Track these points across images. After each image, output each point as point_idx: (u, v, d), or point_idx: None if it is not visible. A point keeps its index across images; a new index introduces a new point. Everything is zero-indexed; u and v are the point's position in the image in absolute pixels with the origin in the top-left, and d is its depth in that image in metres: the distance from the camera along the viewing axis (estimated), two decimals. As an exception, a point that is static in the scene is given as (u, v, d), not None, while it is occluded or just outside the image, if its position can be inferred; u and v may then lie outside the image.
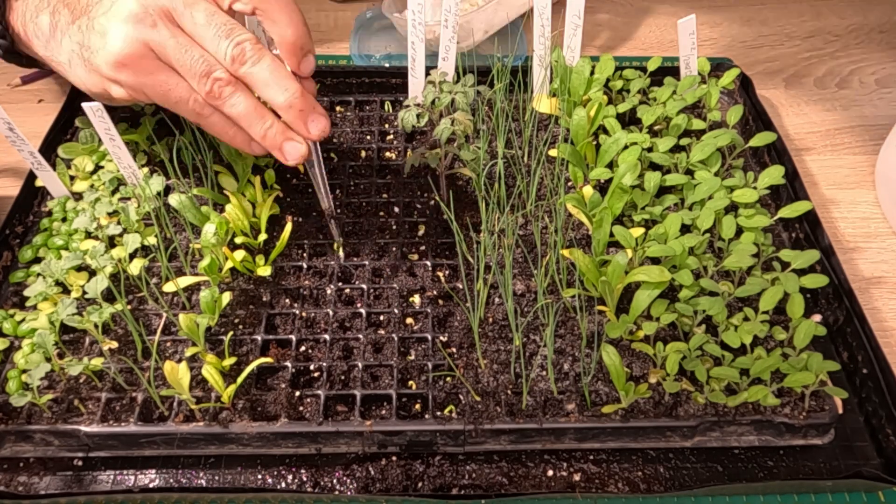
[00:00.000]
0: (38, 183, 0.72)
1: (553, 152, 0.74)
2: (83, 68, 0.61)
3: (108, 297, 0.64)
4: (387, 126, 0.81)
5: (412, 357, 0.61)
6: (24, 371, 0.58)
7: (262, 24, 0.59)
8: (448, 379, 0.59)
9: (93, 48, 0.59)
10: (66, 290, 0.64)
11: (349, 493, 0.56)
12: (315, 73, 0.84)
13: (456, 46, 0.75)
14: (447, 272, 0.67)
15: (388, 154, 0.78)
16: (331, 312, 0.64)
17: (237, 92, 0.57)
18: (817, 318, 0.60)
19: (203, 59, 0.56)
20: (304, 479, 0.56)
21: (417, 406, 0.58)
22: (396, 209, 0.73)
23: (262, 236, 0.68)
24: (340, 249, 0.67)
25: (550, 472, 0.57)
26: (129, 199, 0.71)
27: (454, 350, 0.61)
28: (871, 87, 0.92)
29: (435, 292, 0.65)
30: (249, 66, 0.56)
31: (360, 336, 0.62)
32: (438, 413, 0.57)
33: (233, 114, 0.58)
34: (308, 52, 0.59)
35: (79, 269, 0.66)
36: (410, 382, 0.60)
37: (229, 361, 0.59)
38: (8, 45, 0.68)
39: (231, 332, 0.61)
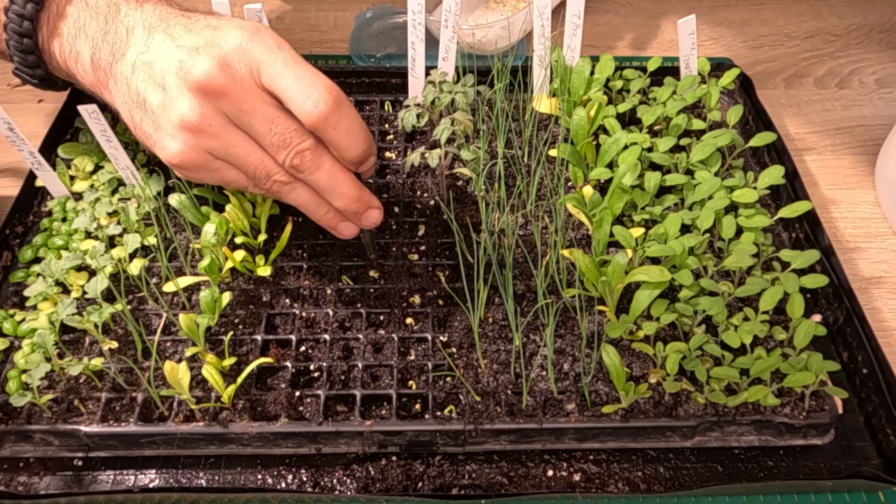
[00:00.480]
0: (38, 183, 0.72)
1: (553, 152, 0.74)
2: (137, 136, 0.60)
3: (108, 297, 0.64)
4: (387, 126, 0.81)
5: (412, 357, 0.61)
6: (24, 371, 0.58)
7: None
8: (448, 379, 0.59)
9: (148, 135, 0.58)
10: (66, 290, 0.64)
11: (349, 493, 0.56)
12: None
13: (456, 45, 0.75)
14: (447, 272, 0.67)
15: (388, 154, 0.78)
16: (331, 312, 0.64)
17: (295, 190, 0.59)
18: (817, 318, 0.60)
19: (262, 162, 0.57)
20: (304, 479, 0.56)
21: (417, 406, 0.58)
22: (396, 209, 0.73)
23: (262, 236, 0.68)
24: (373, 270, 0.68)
25: (550, 472, 0.57)
26: (128, 199, 0.71)
27: (454, 350, 0.61)
28: (871, 87, 0.92)
29: (435, 292, 0.65)
30: (308, 174, 0.57)
31: (360, 336, 0.62)
32: (438, 413, 0.57)
33: (295, 202, 0.60)
34: (368, 157, 0.60)
35: (79, 269, 0.66)
36: (410, 382, 0.60)
37: (229, 361, 0.59)
38: (43, 74, 0.65)
39: (231, 332, 0.61)
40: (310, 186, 0.59)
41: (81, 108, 0.65)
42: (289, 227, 0.67)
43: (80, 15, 0.60)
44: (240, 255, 0.64)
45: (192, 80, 0.54)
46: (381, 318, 0.64)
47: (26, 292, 0.64)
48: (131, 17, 0.59)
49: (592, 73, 0.78)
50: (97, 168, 0.75)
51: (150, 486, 0.56)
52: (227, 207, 0.67)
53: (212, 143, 0.55)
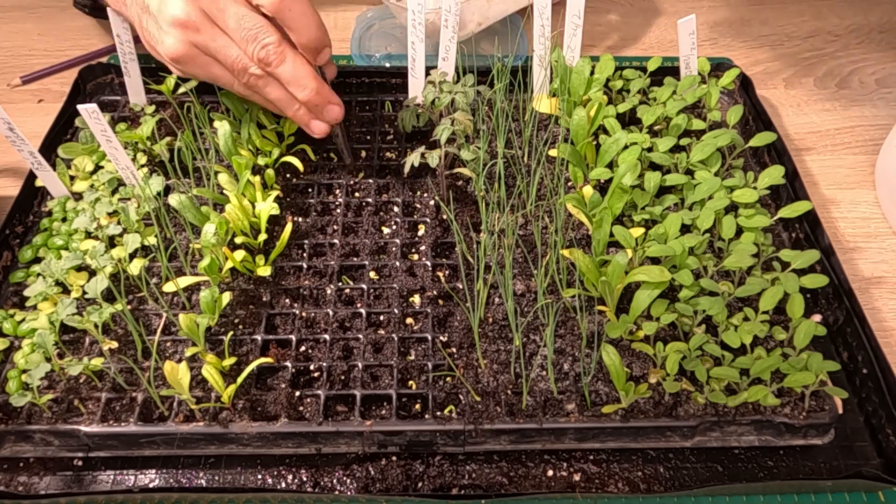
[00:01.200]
0: (38, 183, 0.72)
1: (553, 152, 0.74)
2: (146, 41, 0.70)
3: (108, 297, 0.64)
4: (387, 126, 0.81)
5: (412, 357, 0.61)
6: (24, 371, 0.58)
7: (283, 27, 0.66)
8: (448, 379, 0.59)
9: (152, 35, 0.68)
10: (66, 290, 0.64)
11: (349, 493, 0.56)
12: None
13: (456, 45, 0.75)
14: (447, 272, 0.67)
15: (388, 154, 0.78)
16: (331, 312, 0.64)
17: (269, 84, 0.68)
18: (817, 318, 0.60)
19: (239, 57, 0.66)
20: (304, 479, 0.56)
21: (417, 406, 0.58)
22: (396, 209, 0.73)
23: (262, 236, 0.68)
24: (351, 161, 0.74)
25: (550, 472, 0.57)
26: (128, 199, 0.71)
27: (454, 350, 0.61)
28: (871, 87, 0.92)
29: (435, 292, 0.65)
30: (274, 67, 0.66)
31: (360, 336, 0.62)
32: (438, 413, 0.57)
33: (269, 98, 0.69)
34: (323, 47, 0.68)
35: (79, 269, 0.66)
36: (410, 382, 0.60)
37: (229, 361, 0.59)
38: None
39: (231, 332, 0.61)
40: (281, 85, 0.67)
41: (81, 108, 0.65)
42: (289, 227, 0.67)
43: None
44: (240, 255, 0.64)
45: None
46: (381, 318, 0.64)
47: (26, 292, 0.64)
48: None
49: (592, 73, 0.78)
50: (97, 168, 0.75)
51: (150, 486, 0.56)
52: (227, 207, 0.67)
53: (197, 37, 0.65)
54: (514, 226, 0.68)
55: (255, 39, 0.65)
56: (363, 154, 0.78)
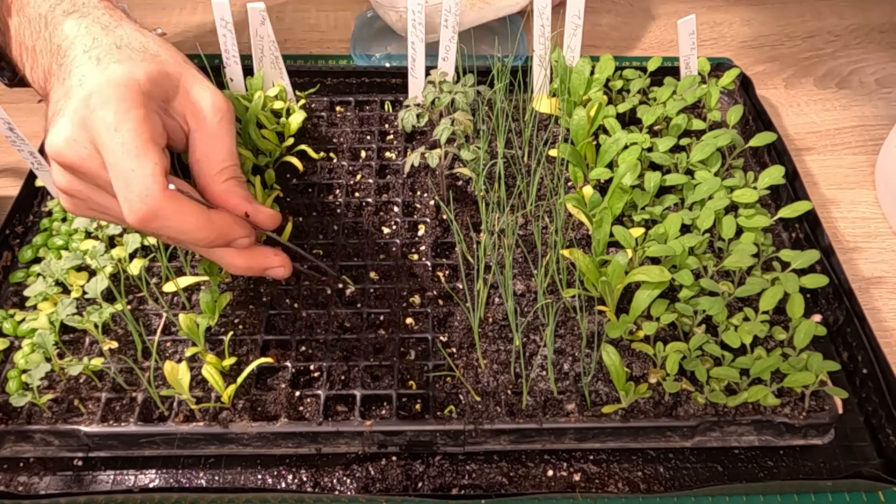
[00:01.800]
0: (38, 183, 0.72)
1: (553, 152, 0.74)
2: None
3: (108, 297, 0.64)
4: (387, 126, 0.81)
5: (412, 357, 0.61)
6: (24, 371, 0.58)
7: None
8: (448, 379, 0.59)
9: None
10: (66, 290, 0.64)
11: (349, 493, 0.56)
12: (315, 72, 0.84)
13: (456, 45, 0.75)
14: (447, 272, 0.67)
15: (388, 154, 0.78)
16: (331, 312, 0.64)
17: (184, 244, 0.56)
18: (817, 318, 0.60)
19: (118, 213, 0.51)
20: (304, 479, 0.56)
21: (417, 406, 0.58)
22: (396, 209, 0.73)
23: (262, 236, 0.68)
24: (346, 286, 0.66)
25: (550, 472, 0.57)
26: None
27: (454, 350, 0.61)
28: (871, 87, 0.92)
29: (435, 292, 0.65)
30: (166, 237, 0.53)
31: (360, 336, 0.62)
32: (438, 413, 0.57)
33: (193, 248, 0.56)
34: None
35: (79, 269, 0.66)
36: (410, 382, 0.60)
37: (229, 361, 0.59)
38: (11, 76, 0.64)
39: (231, 333, 0.61)
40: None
41: None
42: (289, 228, 0.67)
43: (21, 25, 0.57)
44: (240, 255, 0.64)
45: (52, 150, 0.50)
46: (381, 318, 0.64)
47: (26, 292, 0.64)
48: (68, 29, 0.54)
49: (592, 73, 0.78)
50: (97, 168, 0.75)
51: (150, 486, 0.56)
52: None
53: (77, 186, 0.52)
54: (514, 226, 0.68)
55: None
56: (363, 154, 0.78)
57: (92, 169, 0.49)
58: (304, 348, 0.62)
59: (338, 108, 0.84)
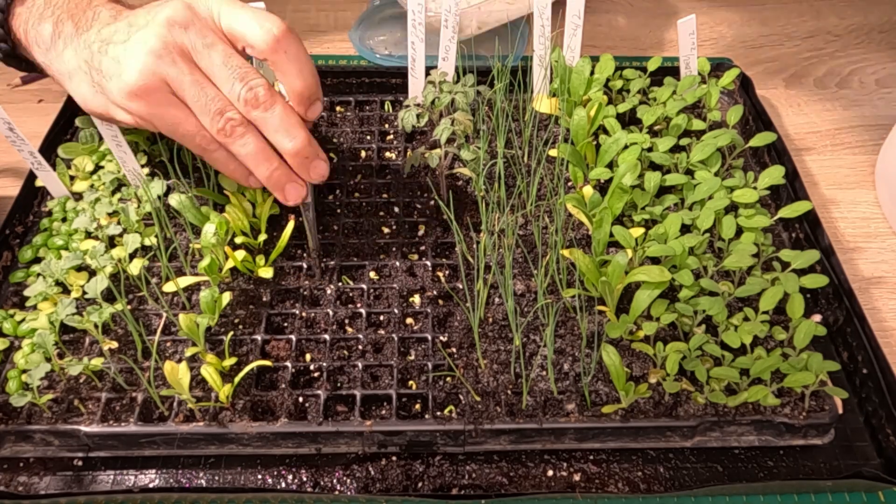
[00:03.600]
0: (38, 183, 0.72)
1: (553, 152, 0.74)
2: (88, 86, 0.62)
3: (108, 297, 0.64)
4: (387, 126, 0.81)
5: (412, 357, 0.61)
6: (24, 371, 0.58)
7: (275, 73, 0.60)
8: (448, 379, 0.59)
9: (105, 73, 0.59)
10: (66, 290, 0.64)
11: (349, 493, 0.56)
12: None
13: (456, 45, 0.75)
14: (447, 272, 0.67)
15: (388, 154, 0.78)
16: (331, 312, 0.64)
17: (248, 133, 0.58)
18: (817, 318, 0.60)
19: (218, 98, 0.58)
20: (304, 479, 0.56)
21: (417, 406, 0.58)
22: (396, 209, 0.73)
23: (262, 236, 0.68)
24: (319, 276, 0.66)
25: (550, 472, 0.57)
26: (129, 199, 0.71)
27: (454, 350, 0.61)
28: (871, 87, 0.92)
29: (435, 292, 0.65)
30: (261, 111, 0.58)
31: (360, 336, 0.62)
32: (438, 413, 0.57)
33: (241, 153, 0.59)
34: (316, 100, 0.61)
35: (79, 269, 0.66)
36: (410, 382, 0.60)
37: (229, 362, 0.59)
38: (8, 49, 0.67)
39: (231, 332, 0.61)
40: (260, 136, 0.59)
41: None
42: (289, 227, 0.67)
43: None
44: (240, 255, 0.64)
45: (161, 17, 0.57)
46: (381, 318, 0.64)
47: (26, 292, 0.64)
48: (101, 6, 0.63)
49: (592, 73, 0.78)
50: (97, 168, 0.75)
51: (150, 486, 0.56)
52: (227, 207, 0.67)
53: (170, 69, 0.57)
54: (514, 226, 0.68)
55: (242, 79, 0.57)
56: (363, 154, 0.78)
57: (204, 27, 0.58)
58: (304, 348, 0.62)
59: (338, 108, 0.84)
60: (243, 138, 0.58)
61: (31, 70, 0.71)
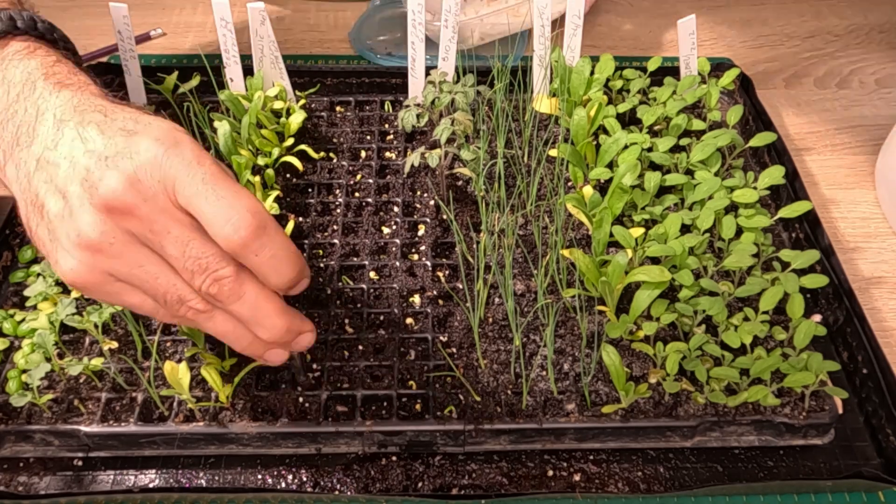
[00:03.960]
0: (38, 183, 0.72)
1: (553, 152, 0.74)
2: (31, 237, 0.52)
3: (108, 297, 0.64)
4: (387, 126, 0.81)
5: (412, 357, 0.61)
6: (24, 371, 0.58)
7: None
8: (448, 379, 0.59)
9: (44, 244, 0.50)
10: (66, 290, 0.64)
11: (349, 493, 0.56)
12: (315, 72, 0.84)
13: (456, 45, 0.75)
14: (447, 272, 0.67)
15: (388, 154, 0.78)
16: (331, 312, 0.64)
17: (214, 318, 0.50)
18: (817, 318, 0.60)
19: (174, 286, 0.49)
20: (304, 479, 0.56)
21: (417, 406, 0.58)
22: (396, 209, 0.73)
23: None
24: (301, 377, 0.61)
25: (550, 472, 0.57)
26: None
27: (454, 350, 0.61)
28: (871, 87, 0.92)
29: (435, 292, 0.65)
30: (228, 304, 0.49)
31: (360, 336, 0.62)
32: (438, 413, 0.57)
33: (212, 331, 0.52)
34: (300, 281, 0.51)
35: (79, 269, 0.66)
36: (410, 382, 0.60)
37: (229, 362, 0.59)
38: None
39: (231, 332, 0.61)
40: (229, 316, 0.51)
41: None
42: (289, 227, 0.67)
43: None
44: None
45: (96, 196, 0.47)
46: (381, 318, 0.64)
47: (26, 292, 0.64)
48: (44, 102, 0.51)
49: (592, 73, 0.78)
50: (97, 168, 0.75)
51: (150, 486, 0.56)
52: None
53: (113, 263, 0.48)
54: (514, 226, 0.68)
55: (204, 270, 0.47)
56: (363, 154, 0.78)
57: (152, 211, 0.47)
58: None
59: (338, 108, 0.84)
60: (210, 322, 0.51)
61: None
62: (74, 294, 0.64)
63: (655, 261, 0.63)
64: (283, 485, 0.56)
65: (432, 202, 0.73)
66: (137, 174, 0.47)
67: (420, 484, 0.56)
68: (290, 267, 0.49)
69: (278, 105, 0.79)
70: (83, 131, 0.49)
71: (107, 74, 0.83)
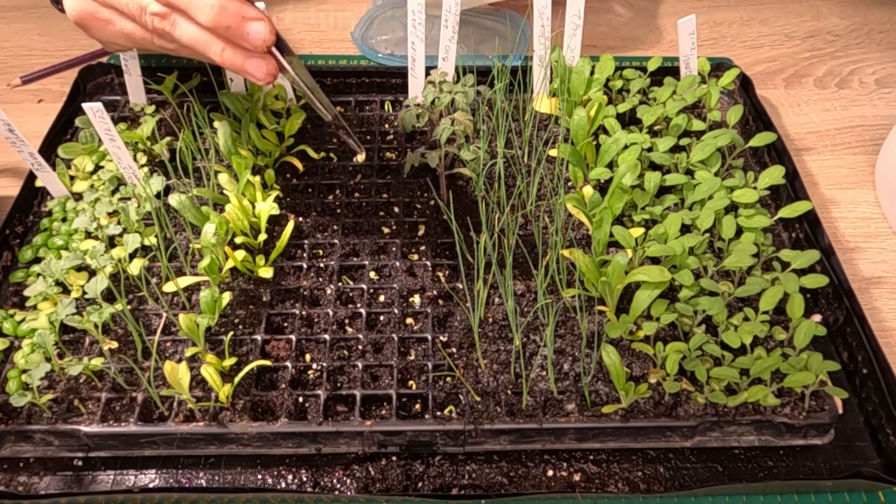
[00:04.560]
0: (38, 183, 0.72)
1: (553, 152, 0.74)
2: None
3: (108, 297, 0.64)
4: (387, 126, 0.81)
5: (412, 357, 0.61)
6: (24, 371, 0.58)
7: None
8: (448, 379, 0.59)
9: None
10: (66, 290, 0.64)
11: (349, 493, 0.56)
12: (315, 72, 0.84)
13: (456, 45, 0.75)
14: (447, 272, 0.67)
15: (388, 154, 0.78)
16: (331, 312, 0.64)
17: (176, 23, 0.58)
18: (817, 318, 0.60)
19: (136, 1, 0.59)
20: (304, 479, 0.56)
21: (417, 406, 0.58)
22: (396, 209, 0.73)
23: (262, 236, 0.68)
24: (362, 156, 0.66)
25: (550, 472, 0.57)
26: (129, 199, 0.71)
27: (454, 350, 0.61)
28: (871, 87, 0.92)
29: (435, 292, 0.65)
30: None
31: (360, 336, 0.62)
32: (438, 413, 0.57)
33: (185, 41, 0.58)
34: (249, 20, 0.56)
35: (79, 269, 0.66)
36: (410, 382, 0.60)
37: (229, 362, 0.59)
38: None
39: (231, 332, 0.61)
40: (194, 22, 0.57)
41: (86, 107, 0.65)
42: (289, 227, 0.67)
43: None
44: (240, 254, 0.64)
45: None
46: (381, 318, 0.64)
47: (26, 292, 0.64)
48: None
49: (592, 73, 0.78)
50: (97, 168, 0.75)
51: (150, 486, 0.56)
52: (227, 207, 0.67)
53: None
54: (514, 226, 0.68)
55: None
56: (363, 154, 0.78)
57: None
58: (303, 348, 0.62)
59: (338, 109, 0.84)
60: (176, 27, 0.58)
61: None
62: (75, 294, 0.64)
63: (655, 261, 0.63)
64: (283, 485, 0.56)
65: (432, 202, 0.73)
66: None
67: (420, 484, 0.56)
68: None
69: (278, 105, 0.79)
70: None
71: (107, 74, 0.84)
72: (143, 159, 0.75)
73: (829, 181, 0.80)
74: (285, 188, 0.74)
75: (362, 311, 0.64)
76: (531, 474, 0.57)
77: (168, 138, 0.77)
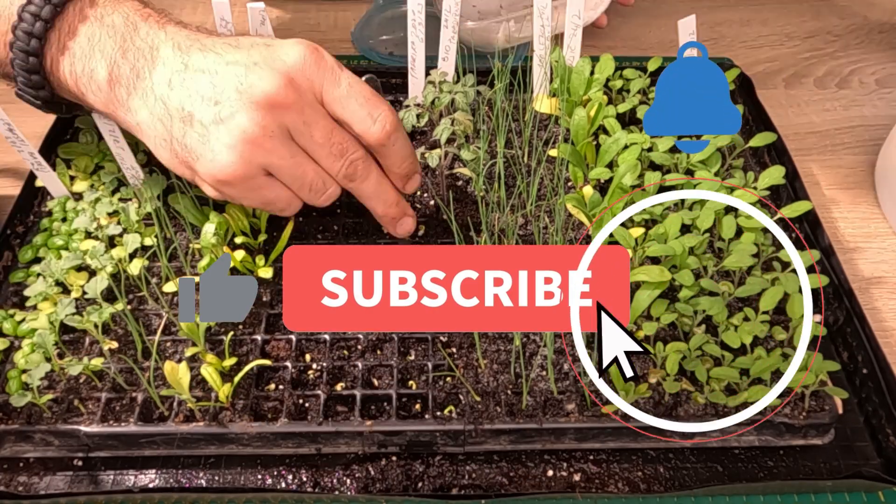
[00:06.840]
0: (39, 183, 0.72)
1: (553, 152, 0.74)
2: (169, 154, 0.58)
3: (108, 297, 0.64)
4: (387, 126, 0.81)
5: (412, 357, 0.61)
6: (24, 371, 0.58)
7: (377, 157, 0.62)
8: (448, 379, 0.59)
9: (191, 150, 0.56)
10: (66, 290, 0.64)
11: (349, 493, 0.56)
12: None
13: (456, 45, 0.75)
14: (447, 272, 0.67)
15: (388, 154, 0.78)
16: (331, 312, 0.64)
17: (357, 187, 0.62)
18: (817, 318, 0.60)
19: (318, 175, 0.59)
20: (304, 479, 0.56)
21: (417, 406, 0.58)
22: (396, 209, 0.73)
23: (262, 236, 0.68)
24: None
25: (550, 472, 0.57)
26: (129, 199, 0.71)
27: (454, 350, 0.61)
28: (871, 87, 0.92)
29: (435, 292, 0.65)
30: (359, 182, 0.61)
31: (361, 336, 0.62)
32: (438, 413, 0.57)
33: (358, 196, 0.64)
34: (414, 174, 0.65)
35: (79, 269, 0.66)
36: (410, 382, 0.60)
37: (229, 362, 0.59)
38: (48, 95, 0.62)
39: (231, 332, 0.61)
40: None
41: None
42: (289, 227, 0.67)
43: (94, 33, 0.58)
44: (240, 255, 0.64)
45: (257, 94, 0.54)
46: (381, 318, 0.64)
47: (26, 292, 0.63)
48: (154, 36, 0.58)
49: (592, 73, 0.78)
50: (97, 168, 0.75)
51: (150, 486, 0.56)
52: (227, 207, 0.67)
53: (268, 156, 0.55)
54: (514, 226, 0.68)
55: (343, 154, 0.58)
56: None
57: (306, 105, 0.56)
58: (304, 348, 0.62)
59: (338, 108, 0.83)
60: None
61: (78, 111, 0.67)
62: (75, 294, 0.64)
63: (655, 261, 0.63)
64: (283, 485, 0.56)
65: (432, 202, 0.73)
66: (291, 73, 0.55)
67: (420, 484, 0.56)
68: (411, 154, 0.63)
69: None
70: (213, 48, 0.57)
71: (107, 74, 0.84)
72: (143, 159, 0.75)
73: (829, 181, 0.80)
74: (285, 188, 0.74)
75: (362, 311, 0.64)
76: (531, 474, 0.57)
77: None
